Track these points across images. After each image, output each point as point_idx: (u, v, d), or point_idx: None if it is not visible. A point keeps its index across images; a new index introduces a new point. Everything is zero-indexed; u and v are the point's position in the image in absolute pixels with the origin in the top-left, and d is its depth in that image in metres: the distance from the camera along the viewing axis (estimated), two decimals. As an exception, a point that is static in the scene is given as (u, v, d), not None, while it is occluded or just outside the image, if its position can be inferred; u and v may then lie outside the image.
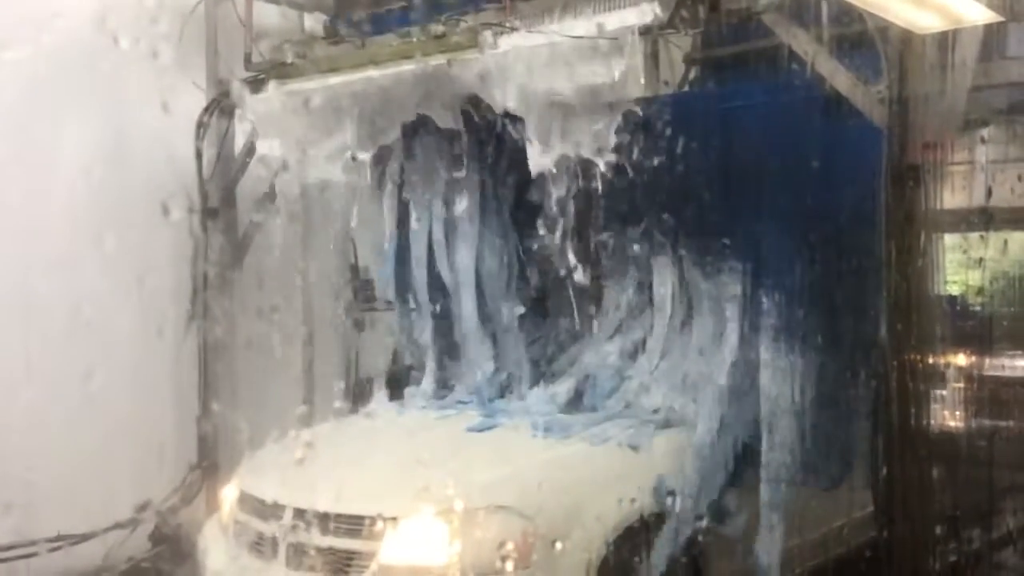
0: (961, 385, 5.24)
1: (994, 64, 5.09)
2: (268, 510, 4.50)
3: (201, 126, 6.58)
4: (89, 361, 5.68)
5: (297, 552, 4.30)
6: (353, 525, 4.22)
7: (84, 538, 5.81)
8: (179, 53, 6.15)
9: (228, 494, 4.96)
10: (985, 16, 4.65)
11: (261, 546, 4.48)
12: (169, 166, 6.50)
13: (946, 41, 4.93)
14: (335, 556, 4.23)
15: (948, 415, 5.02)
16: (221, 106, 6.63)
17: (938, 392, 4.86)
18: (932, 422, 4.76)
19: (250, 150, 6.66)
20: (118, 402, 5.89)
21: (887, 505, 4.78)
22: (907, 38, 4.89)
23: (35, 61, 5.44)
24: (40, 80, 5.69)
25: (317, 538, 4.26)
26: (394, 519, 4.16)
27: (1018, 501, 5.45)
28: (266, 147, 6.33)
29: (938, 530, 4.89)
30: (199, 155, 6.57)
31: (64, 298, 5.68)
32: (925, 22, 4.66)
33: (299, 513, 4.34)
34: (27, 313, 5.71)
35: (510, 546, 4.06)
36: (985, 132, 5.61)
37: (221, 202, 6.74)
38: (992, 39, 5.04)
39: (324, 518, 4.26)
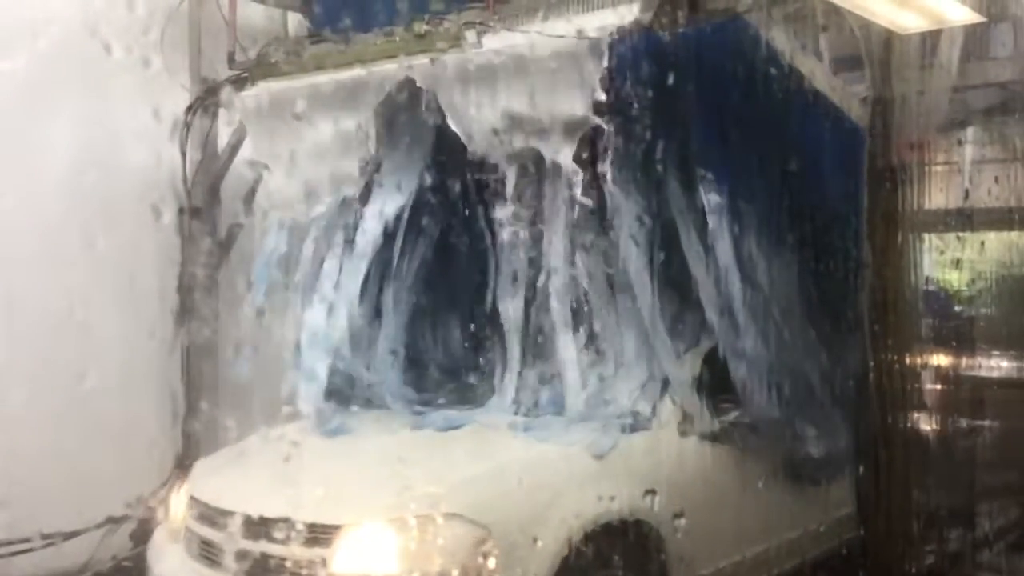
0: (938, 385, 5.24)
1: (975, 65, 5.09)
2: (216, 516, 4.35)
3: (184, 125, 6.55)
4: (74, 360, 5.66)
5: (244, 560, 4.14)
6: (301, 533, 4.03)
7: (66, 537, 5.79)
8: (163, 53, 6.13)
9: (178, 499, 4.76)
10: (967, 17, 4.66)
11: (209, 553, 4.33)
12: (154, 166, 6.48)
13: (928, 41, 4.94)
14: (282, 565, 4.06)
15: (923, 413, 5.01)
16: (204, 105, 6.60)
17: (915, 390, 4.85)
18: (908, 419, 4.76)
19: (233, 149, 6.63)
20: (103, 401, 5.85)
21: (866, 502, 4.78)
22: (889, 38, 4.90)
23: (25, 65, 5.43)
24: (28, 83, 5.67)
25: (264, 546, 4.09)
26: (343, 527, 4.00)
27: (998, 500, 5.44)
28: (249, 146, 6.30)
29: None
30: (182, 154, 6.54)
31: (50, 298, 5.67)
32: (907, 22, 4.68)
33: (247, 520, 4.18)
34: (12, 312, 5.69)
35: (464, 556, 3.90)
36: (965, 133, 5.62)
37: (204, 201, 6.71)
38: (973, 40, 5.04)
39: (271, 525, 4.09)
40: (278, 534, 4.06)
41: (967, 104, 5.39)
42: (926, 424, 5.06)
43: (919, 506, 4.92)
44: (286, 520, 4.05)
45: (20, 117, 5.71)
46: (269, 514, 4.10)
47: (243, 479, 4.57)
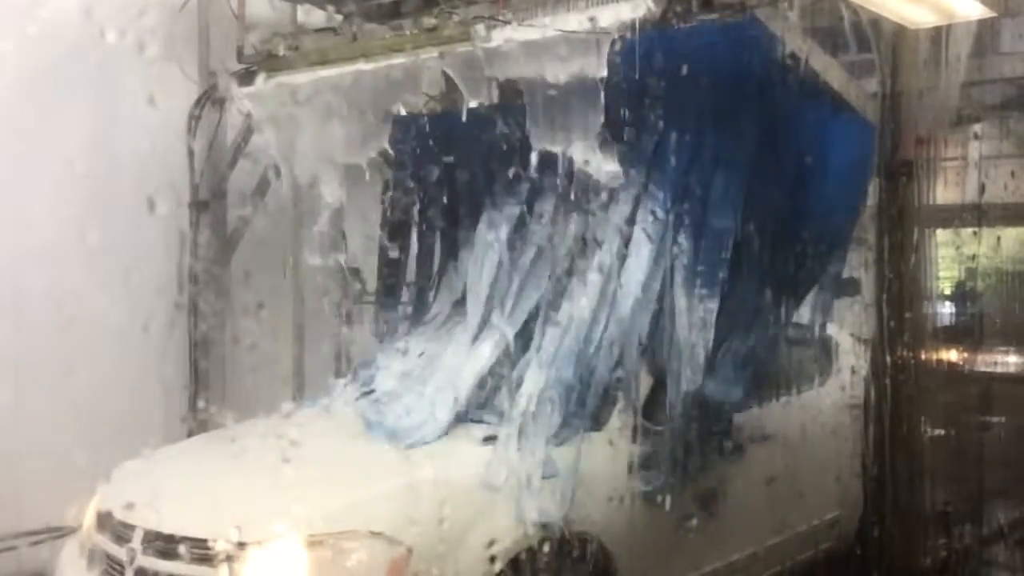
0: (955, 381, 5.21)
1: (987, 60, 5.08)
2: (120, 529, 4.09)
3: (192, 119, 6.54)
4: (75, 355, 5.64)
5: None
6: (204, 551, 3.76)
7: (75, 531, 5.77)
8: (171, 46, 6.12)
9: (88, 511, 4.43)
10: (978, 11, 4.65)
11: (111, 570, 4.07)
12: (161, 159, 6.46)
13: (939, 36, 4.93)
14: None
15: (940, 410, 4.99)
16: (212, 99, 6.59)
17: (930, 387, 4.83)
18: (922, 417, 4.74)
19: (241, 143, 6.62)
20: (104, 397, 5.83)
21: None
22: (900, 33, 4.89)
23: (26, 53, 5.42)
24: (30, 72, 5.66)
25: (165, 564, 3.85)
26: (249, 545, 3.72)
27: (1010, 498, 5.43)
28: (257, 141, 6.29)
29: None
30: (190, 148, 6.54)
31: (51, 291, 5.65)
32: (918, 17, 4.67)
33: (147, 535, 3.93)
34: (13, 306, 5.68)
35: None
36: (976, 129, 5.60)
37: (211, 195, 6.70)
38: (985, 35, 5.03)
39: (173, 542, 3.84)
40: (180, 551, 3.82)
41: (978, 100, 5.38)
42: (938, 421, 5.04)
43: (930, 504, 4.90)
44: (188, 536, 3.83)
45: (24, 110, 5.70)
46: (171, 529, 3.88)
47: (151, 490, 4.21)
